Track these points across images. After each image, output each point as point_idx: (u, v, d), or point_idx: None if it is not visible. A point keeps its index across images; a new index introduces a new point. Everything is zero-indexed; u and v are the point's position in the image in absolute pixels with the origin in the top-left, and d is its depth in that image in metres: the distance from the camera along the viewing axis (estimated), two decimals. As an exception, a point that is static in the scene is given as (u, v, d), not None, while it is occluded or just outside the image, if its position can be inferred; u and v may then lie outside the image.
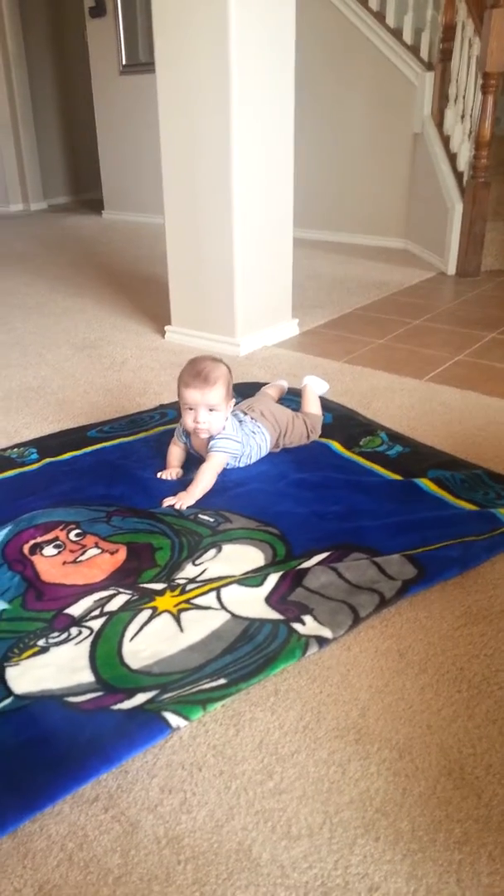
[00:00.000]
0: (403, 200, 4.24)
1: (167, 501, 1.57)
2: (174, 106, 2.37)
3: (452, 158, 3.73)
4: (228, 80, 2.21)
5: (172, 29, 2.28)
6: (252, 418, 1.75)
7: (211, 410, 1.59)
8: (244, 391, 2.11)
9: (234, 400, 1.66)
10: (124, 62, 5.15)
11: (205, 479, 1.60)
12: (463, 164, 3.62)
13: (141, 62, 5.04)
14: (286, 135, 2.48)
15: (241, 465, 1.71)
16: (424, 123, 3.93)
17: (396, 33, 3.99)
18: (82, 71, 5.77)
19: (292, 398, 2.01)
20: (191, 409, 1.59)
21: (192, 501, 1.57)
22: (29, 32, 5.92)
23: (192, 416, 1.60)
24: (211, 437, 1.63)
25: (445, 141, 3.80)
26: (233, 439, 1.65)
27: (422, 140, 3.97)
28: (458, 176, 3.66)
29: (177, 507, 1.55)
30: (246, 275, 2.49)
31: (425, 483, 1.61)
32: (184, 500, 1.56)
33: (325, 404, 2.00)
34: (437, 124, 3.87)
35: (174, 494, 1.59)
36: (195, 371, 1.58)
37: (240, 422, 1.72)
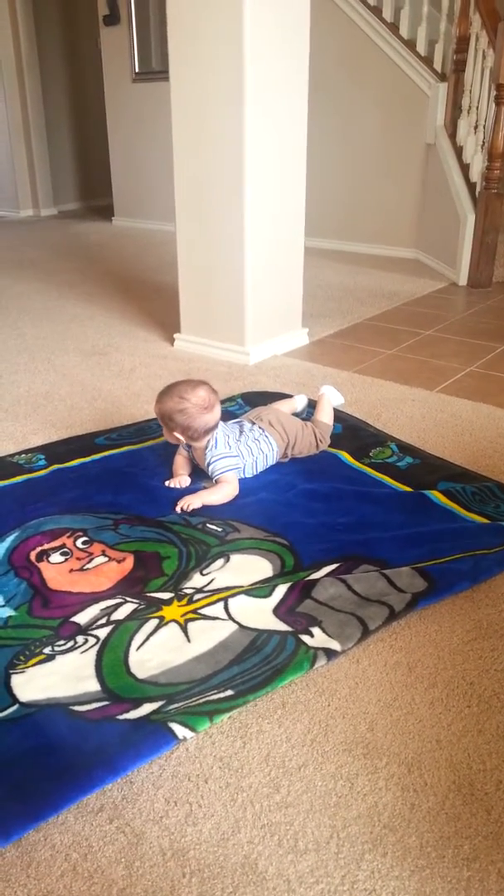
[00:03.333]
0: (415, 210, 4.24)
1: (179, 503, 1.58)
2: (187, 113, 2.38)
3: (465, 169, 3.73)
4: (242, 88, 2.21)
5: (186, 37, 2.28)
6: (260, 427, 1.75)
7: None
8: (254, 400, 2.11)
9: (237, 400, 1.66)
10: (137, 70, 5.17)
11: (220, 493, 1.61)
12: (475, 174, 3.62)
13: (154, 70, 5.07)
14: (299, 143, 2.48)
15: (249, 474, 1.71)
16: (437, 134, 3.93)
17: (410, 44, 4.00)
18: (95, 78, 5.80)
19: (310, 410, 2.00)
20: None
21: (199, 504, 1.57)
22: (42, 39, 5.95)
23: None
24: (206, 457, 1.64)
25: (458, 151, 3.80)
26: (226, 455, 1.65)
27: (434, 150, 3.97)
28: (471, 187, 3.66)
29: (188, 507, 1.55)
30: (256, 283, 2.49)
31: (436, 495, 1.60)
32: (193, 501, 1.57)
33: (336, 414, 2.00)
34: (450, 135, 3.87)
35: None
36: (166, 394, 1.64)
37: (241, 431, 1.72)
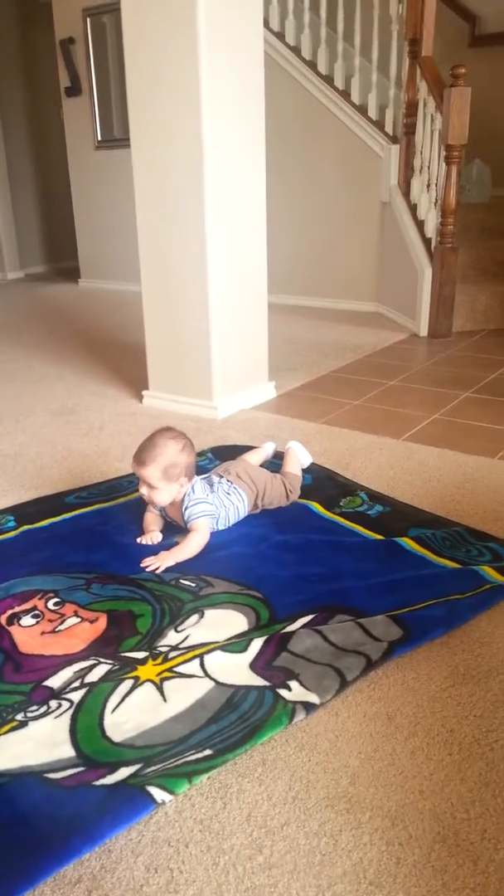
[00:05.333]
0: (374, 266, 4.36)
1: (146, 561, 1.56)
2: (149, 177, 2.44)
3: (420, 225, 3.86)
4: (202, 153, 2.29)
5: (146, 104, 2.36)
6: (229, 481, 1.76)
7: (151, 486, 1.61)
8: (223, 454, 2.12)
9: (186, 479, 1.65)
10: (99, 138, 5.32)
11: (191, 546, 1.60)
12: (430, 230, 3.75)
13: (115, 137, 5.21)
14: (259, 204, 2.56)
15: (221, 527, 1.71)
16: (392, 193, 4.08)
17: (362, 109, 4.17)
18: (58, 146, 5.94)
19: (276, 461, 2.02)
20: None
21: (171, 563, 1.55)
22: (5, 110, 6.11)
23: (142, 487, 1.65)
24: (184, 503, 1.64)
25: (413, 209, 3.93)
26: (204, 501, 1.65)
27: (390, 208, 4.11)
28: (427, 242, 3.78)
29: (159, 569, 1.54)
30: (222, 340, 2.53)
31: (407, 542, 1.61)
32: (165, 561, 1.55)
33: (305, 468, 2.01)
34: (404, 193, 4.02)
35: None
36: (141, 445, 1.65)
37: (210, 485, 1.73)
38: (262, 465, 1.95)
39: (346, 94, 4.21)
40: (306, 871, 0.89)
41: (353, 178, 4.29)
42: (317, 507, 1.83)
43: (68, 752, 1.05)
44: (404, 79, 3.90)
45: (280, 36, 4.33)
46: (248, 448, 2.08)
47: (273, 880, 0.88)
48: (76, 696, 1.17)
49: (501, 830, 0.94)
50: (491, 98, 4.50)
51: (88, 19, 5.08)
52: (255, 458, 1.96)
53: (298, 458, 1.98)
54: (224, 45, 2.26)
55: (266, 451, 2.02)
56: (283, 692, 1.15)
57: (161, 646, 1.29)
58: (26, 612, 1.40)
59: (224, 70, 2.28)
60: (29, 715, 1.13)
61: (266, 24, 3.90)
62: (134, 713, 1.13)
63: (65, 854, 0.89)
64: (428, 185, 3.79)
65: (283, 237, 4.49)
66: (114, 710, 1.13)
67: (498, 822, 0.95)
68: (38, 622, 1.37)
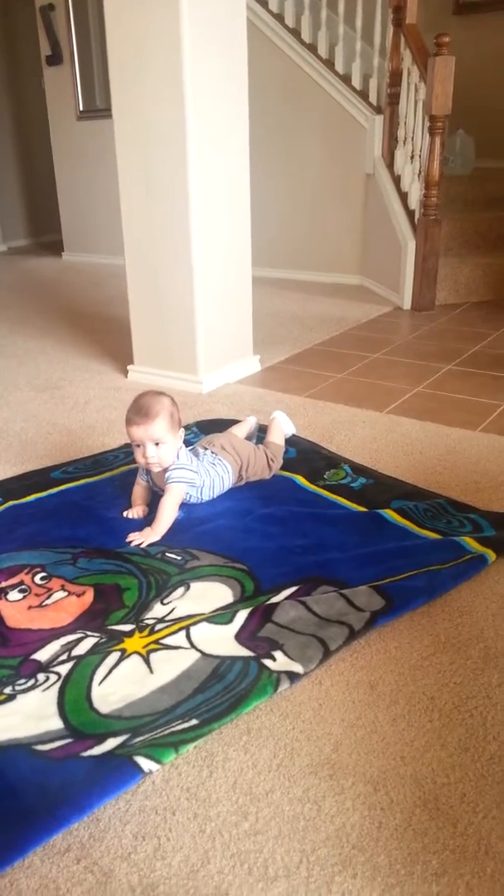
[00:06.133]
0: (358, 238, 4.34)
1: (131, 536, 1.57)
2: (132, 149, 2.41)
3: (404, 197, 3.84)
4: (184, 123, 2.26)
5: (128, 74, 2.32)
6: (213, 452, 1.76)
7: (157, 444, 1.60)
8: (208, 428, 2.12)
9: (183, 430, 1.67)
10: (81, 108, 5.22)
11: (166, 514, 1.60)
12: (414, 202, 3.73)
13: (98, 108, 5.12)
14: (242, 176, 2.53)
15: (206, 498, 1.71)
16: (376, 164, 4.05)
17: (346, 79, 4.12)
18: (40, 117, 5.83)
19: (261, 435, 2.02)
20: (138, 445, 1.61)
21: (156, 537, 1.56)
22: (-16, 80, 5.99)
23: (140, 452, 1.62)
24: (167, 471, 1.64)
25: (396, 181, 3.91)
26: (187, 468, 1.65)
27: (374, 180, 4.08)
28: (410, 214, 3.76)
29: (142, 544, 1.54)
30: (207, 314, 2.52)
31: (389, 514, 1.63)
32: (148, 537, 1.56)
33: (289, 439, 2.02)
34: (388, 165, 3.99)
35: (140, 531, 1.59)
36: (136, 407, 1.61)
37: (196, 456, 1.73)
38: (247, 439, 1.96)
39: (329, 63, 4.15)
40: (291, 837, 0.92)
41: (336, 149, 4.25)
42: (301, 479, 1.84)
43: (56, 724, 1.07)
44: (388, 47, 3.86)
45: (263, 2, 4.26)
46: (233, 422, 2.08)
47: (258, 846, 0.90)
48: (63, 669, 1.18)
49: (480, 794, 0.96)
50: (475, 67, 4.47)
51: (67, -16, 4.97)
52: (240, 431, 1.97)
53: (282, 429, 1.99)
54: (207, 13, 2.22)
55: (250, 424, 2.03)
56: (267, 662, 1.17)
57: (147, 618, 1.30)
58: (13, 586, 1.41)
59: (207, 39, 2.24)
60: (17, 688, 1.14)
61: (248, -10, 3.84)
62: (121, 685, 1.14)
63: (54, 824, 0.90)
64: (412, 157, 3.77)
65: (267, 210, 4.46)
66: (101, 683, 1.15)
67: (477, 787, 0.97)
68: (25, 597, 1.38)
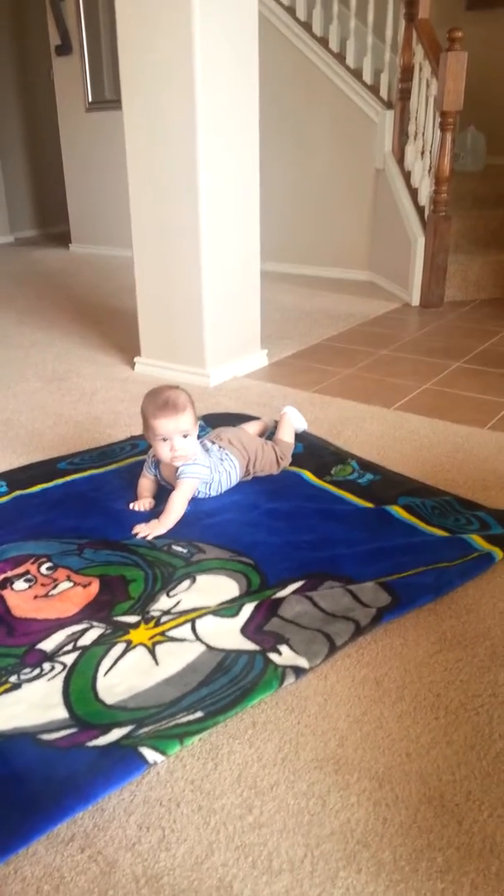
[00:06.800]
0: (367, 234, 4.33)
1: (137, 528, 1.56)
2: (141, 141, 2.40)
3: (414, 193, 3.82)
4: (194, 116, 2.25)
5: (138, 65, 2.31)
6: (220, 447, 1.76)
7: (185, 437, 1.59)
8: (216, 421, 2.12)
9: (199, 422, 1.66)
10: (90, 99, 5.21)
11: (175, 508, 1.59)
12: (424, 198, 3.72)
13: (107, 99, 5.11)
14: (252, 169, 2.52)
15: (213, 493, 1.71)
16: (386, 159, 4.03)
17: (356, 73, 4.10)
18: (48, 107, 5.82)
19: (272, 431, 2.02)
20: (164, 439, 1.59)
21: (163, 530, 1.56)
22: (-6, 70, 5.98)
23: (167, 447, 1.60)
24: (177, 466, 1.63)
25: (406, 176, 3.89)
26: (201, 464, 1.65)
27: (383, 176, 4.06)
28: (420, 210, 3.75)
29: (148, 537, 1.54)
30: (215, 307, 2.51)
31: (396, 510, 1.62)
32: (155, 529, 1.55)
33: (297, 434, 2.02)
34: (398, 160, 3.97)
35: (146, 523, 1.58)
36: (162, 401, 1.59)
37: (206, 450, 1.72)
38: (260, 435, 1.95)
39: (340, 58, 4.13)
40: (295, 831, 0.91)
41: (346, 143, 4.24)
42: (308, 475, 1.83)
43: (61, 713, 1.07)
44: (400, 42, 3.83)
45: (275, -5, 4.24)
46: (241, 417, 2.08)
47: (263, 839, 0.90)
48: (69, 659, 1.18)
49: (486, 792, 0.96)
50: (487, 63, 4.45)
51: (78, -26, 4.95)
52: (253, 428, 1.97)
53: (292, 425, 1.98)
54: (218, 5, 2.21)
55: (264, 423, 2.02)
56: (273, 656, 1.17)
57: (153, 610, 1.30)
58: (19, 576, 1.41)
59: (218, 30, 2.23)
60: (22, 677, 1.14)
61: (261, -18, 3.82)
62: (126, 676, 1.14)
63: (58, 813, 0.90)
64: (422, 153, 3.75)
65: (276, 204, 4.44)
66: (106, 673, 1.15)
67: (482, 784, 0.97)
68: (30, 586, 1.38)
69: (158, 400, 1.59)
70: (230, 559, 1.46)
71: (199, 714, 1.06)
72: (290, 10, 4.23)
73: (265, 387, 2.55)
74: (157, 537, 1.55)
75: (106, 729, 1.03)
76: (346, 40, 4.14)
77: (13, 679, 1.14)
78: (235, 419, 2.04)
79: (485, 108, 4.45)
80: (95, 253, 5.56)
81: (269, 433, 1.99)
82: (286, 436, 1.93)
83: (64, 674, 1.15)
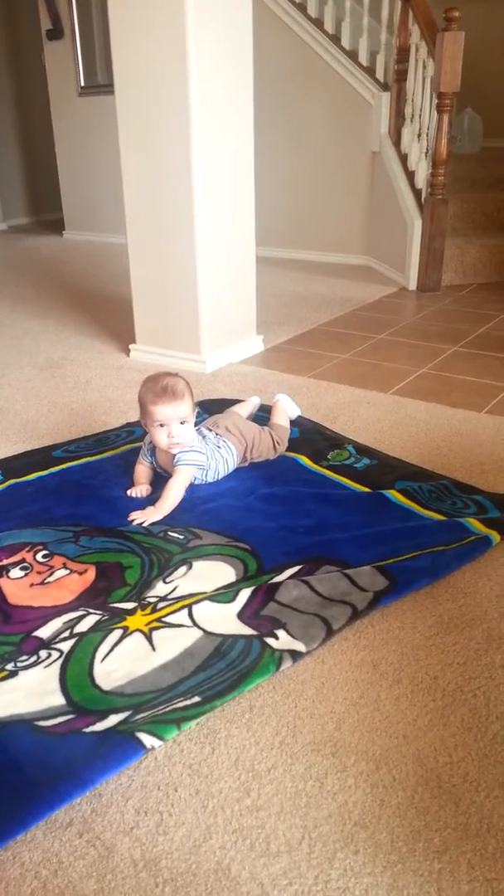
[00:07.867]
0: (364, 218, 4.30)
1: (133, 515, 1.56)
2: (134, 126, 2.38)
3: (410, 176, 3.79)
4: (188, 100, 2.23)
5: (131, 49, 2.29)
6: (217, 434, 1.75)
7: (182, 423, 1.59)
8: (210, 407, 2.11)
9: (197, 409, 1.66)
10: (83, 84, 5.16)
11: (172, 495, 1.59)
12: (421, 181, 3.69)
13: (99, 84, 5.05)
14: (246, 154, 2.50)
15: (210, 479, 1.71)
16: (382, 142, 4.00)
17: (352, 55, 4.06)
18: (40, 93, 5.76)
19: (263, 415, 2.01)
20: (162, 425, 1.59)
21: (159, 517, 1.56)
22: (-15, 54, 5.91)
23: (164, 433, 1.59)
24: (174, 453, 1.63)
25: (403, 159, 3.87)
26: (197, 451, 1.64)
27: (380, 158, 4.03)
28: (417, 193, 3.72)
29: (144, 523, 1.54)
30: (210, 293, 2.50)
31: (393, 494, 1.62)
32: (151, 516, 1.55)
33: (293, 419, 2.01)
34: (395, 143, 3.94)
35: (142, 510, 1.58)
36: (160, 388, 1.58)
37: (203, 437, 1.72)
38: (249, 419, 1.94)
39: (336, 39, 4.09)
40: (293, 813, 0.92)
41: (342, 126, 4.20)
42: (304, 460, 1.83)
43: (58, 700, 1.07)
44: (396, 23, 3.79)
45: (269, -24, 4.19)
46: (236, 401, 2.07)
47: (260, 822, 0.91)
48: (66, 646, 1.18)
49: (482, 774, 0.96)
50: (485, 44, 4.41)
51: (69, -43, 4.89)
52: (242, 410, 1.96)
53: (286, 411, 1.98)
54: (210, -16, 2.18)
55: (252, 403, 2.02)
56: (270, 641, 1.17)
57: (150, 596, 1.30)
58: (15, 564, 1.40)
59: (211, 12, 2.20)
60: (19, 664, 1.14)
61: (254, -37, 3.77)
62: (123, 662, 1.14)
63: (56, 798, 0.91)
64: (419, 135, 3.72)
65: (272, 188, 4.41)
66: (103, 660, 1.14)
67: (479, 766, 0.97)
68: (26, 574, 1.37)
69: (157, 386, 1.59)
70: (227, 545, 1.46)
71: (196, 699, 1.06)
72: (284, -9, 4.18)
73: (261, 373, 2.55)
74: (153, 524, 1.54)
75: (103, 715, 1.03)
76: (341, 21, 4.09)
77: (10, 667, 1.14)
78: (231, 405, 2.03)
79: (482, 89, 4.41)
80: (89, 240, 5.52)
81: (261, 419, 1.98)
82: (281, 420, 1.93)
83: (61, 661, 1.15)
